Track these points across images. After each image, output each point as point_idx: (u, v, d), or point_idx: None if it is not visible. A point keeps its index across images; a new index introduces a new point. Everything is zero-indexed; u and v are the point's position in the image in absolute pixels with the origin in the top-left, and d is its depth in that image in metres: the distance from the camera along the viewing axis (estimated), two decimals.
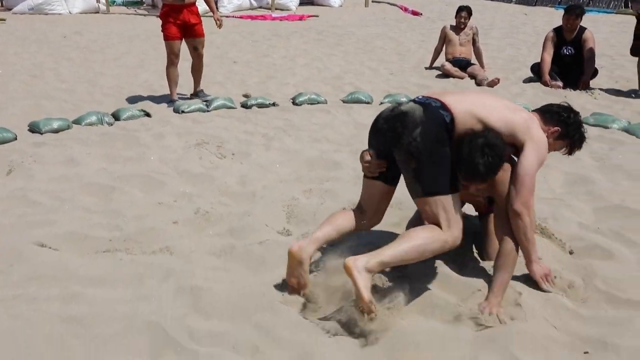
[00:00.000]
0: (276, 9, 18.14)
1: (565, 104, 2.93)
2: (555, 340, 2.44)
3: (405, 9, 18.01)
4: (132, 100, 6.61)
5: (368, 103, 6.44)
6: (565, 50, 7.31)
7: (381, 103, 6.37)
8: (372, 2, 21.12)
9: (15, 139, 5.03)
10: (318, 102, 6.41)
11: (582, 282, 2.88)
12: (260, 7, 19.05)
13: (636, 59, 6.96)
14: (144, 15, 16.92)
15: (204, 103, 6.22)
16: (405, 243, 2.48)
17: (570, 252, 3.20)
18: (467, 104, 2.67)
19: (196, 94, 6.71)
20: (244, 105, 6.29)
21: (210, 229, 3.48)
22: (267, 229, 3.44)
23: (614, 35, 11.71)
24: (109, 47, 10.34)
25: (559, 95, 6.86)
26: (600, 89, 7.10)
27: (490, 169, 2.57)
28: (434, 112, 2.61)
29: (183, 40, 6.35)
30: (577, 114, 2.92)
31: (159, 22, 6.32)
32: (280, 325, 2.47)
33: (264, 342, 2.37)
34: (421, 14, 16.65)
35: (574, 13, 7.13)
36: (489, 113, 2.65)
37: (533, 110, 2.94)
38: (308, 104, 6.38)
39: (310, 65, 8.73)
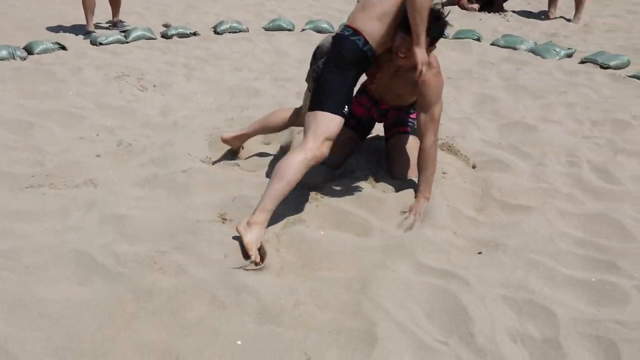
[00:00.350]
0: None
1: None
2: (454, 245, 2.72)
3: None
4: (46, 32, 6.36)
5: (290, 30, 6.46)
6: None
7: (303, 30, 6.42)
8: None
9: None
10: (239, 31, 6.38)
11: (481, 192, 3.17)
12: None
13: None
14: None
15: (123, 34, 6.07)
16: (274, 182, 2.64)
17: (474, 167, 3.48)
18: (371, 12, 2.78)
19: (114, 24, 6.52)
20: (164, 36, 6.19)
21: (133, 160, 3.55)
22: (190, 157, 3.54)
23: None
24: None
25: (474, 17, 7.09)
26: (513, 11, 7.38)
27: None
28: (345, 41, 2.78)
29: None
30: None
31: None
32: (203, 245, 2.63)
33: (188, 262, 2.52)
34: None
35: None
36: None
37: None
38: (229, 32, 6.35)
39: None
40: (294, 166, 2.64)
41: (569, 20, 7.01)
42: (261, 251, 2.58)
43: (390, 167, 3.28)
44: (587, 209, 3.01)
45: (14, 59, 5.31)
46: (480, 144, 3.74)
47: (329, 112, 2.70)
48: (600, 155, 3.59)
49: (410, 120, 3.30)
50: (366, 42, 2.76)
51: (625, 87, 4.75)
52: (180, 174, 3.29)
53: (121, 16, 6.62)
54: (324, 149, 2.69)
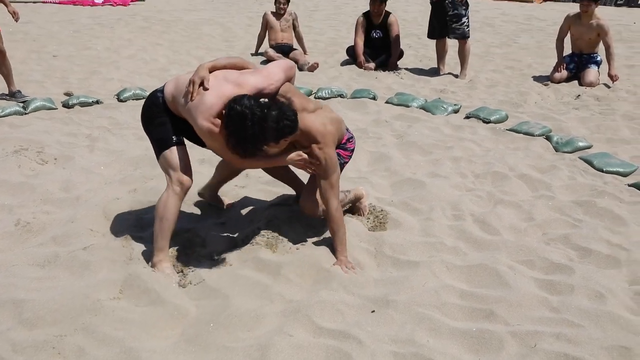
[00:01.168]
0: None
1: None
2: (349, 305, 2.88)
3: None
4: None
5: None
6: (374, 34, 7.98)
7: None
8: None
9: None
10: (143, 97, 6.44)
11: (374, 251, 3.39)
12: None
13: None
14: None
15: (21, 105, 6.00)
16: (158, 223, 3.15)
17: (369, 226, 3.70)
18: (172, 82, 3.16)
19: (12, 94, 6.42)
20: (66, 105, 6.16)
21: (33, 239, 3.52)
22: (92, 233, 3.55)
23: (422, 14, 12.81)
24: None
25: (370, 76, 7.53)
26: (407, 69, 7.89)
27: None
28: (152, 97, 3.25)
29: None
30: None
31: None
32: (105, 324, 2.67)
33: (89, 343, 2.55)
34: None
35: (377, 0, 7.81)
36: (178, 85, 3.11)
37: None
38: (133, 99, 6.41)
39: (136, 57, 8.64)
40: (168, 203, 3.14)
41: (456, 76, 7.58)
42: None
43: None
44: (470, 260, 3.28)
45: None
46: (375, 202, 3.98)
47: (163, 151, 3.18)
48: (481, 207, 3.92)
49: None
50: (164, 98, 3.18)
51: (504, 140, 5.21)
52: (82, 251, 3.31)
53: (19, 85, 6.54)
54: (180, 179, 3.15)
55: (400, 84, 7.21)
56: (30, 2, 15.04)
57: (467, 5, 7.38)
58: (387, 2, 7.90)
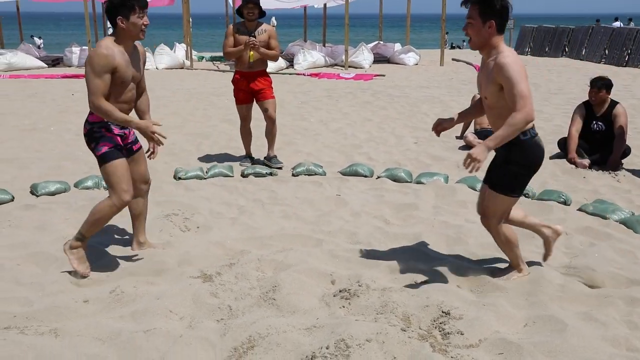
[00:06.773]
0: (350, 66, 18.48)
1: None
2: None
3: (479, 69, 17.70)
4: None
5: (366, 177, 6.31)
6: (595, 126, 6.81)
7: (378, 177, 6.24)
8: (452, 60, 21.01)
9: (12, 199, 5.43)
10: (316, 174, 6.37)
11: None
12: (335, 65, 19.50)
13: None
14: (223, 71, 17.76)
15: (205, 170, 6.37)
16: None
17: None
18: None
19: (269, 159, 6.78)
20: (242, 174, 6.38)
21: (117, 310, 3.51)
22: (169, 314, 3.41)
23: None
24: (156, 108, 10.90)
25: (578, 175, 6.38)
26: (630, 170, 6.50)
27: None
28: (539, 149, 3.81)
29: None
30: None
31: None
32: None
33: None
34: None
35: (596, 86, 6.66)
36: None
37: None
38: (305, 174, 6.37)
39: (340, 131, 8.74)
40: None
41: None
42: None
43: None
44: None
45: (99, 188, 5.79)
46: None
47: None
48: None
49: None
50: None
51: None
52: (142, 334, 3.17)
53: (217, 150, 6.98)
54: None
55: (611, 189, 5.92)
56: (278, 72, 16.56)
57: None
58: (613, 90, 6.71)
